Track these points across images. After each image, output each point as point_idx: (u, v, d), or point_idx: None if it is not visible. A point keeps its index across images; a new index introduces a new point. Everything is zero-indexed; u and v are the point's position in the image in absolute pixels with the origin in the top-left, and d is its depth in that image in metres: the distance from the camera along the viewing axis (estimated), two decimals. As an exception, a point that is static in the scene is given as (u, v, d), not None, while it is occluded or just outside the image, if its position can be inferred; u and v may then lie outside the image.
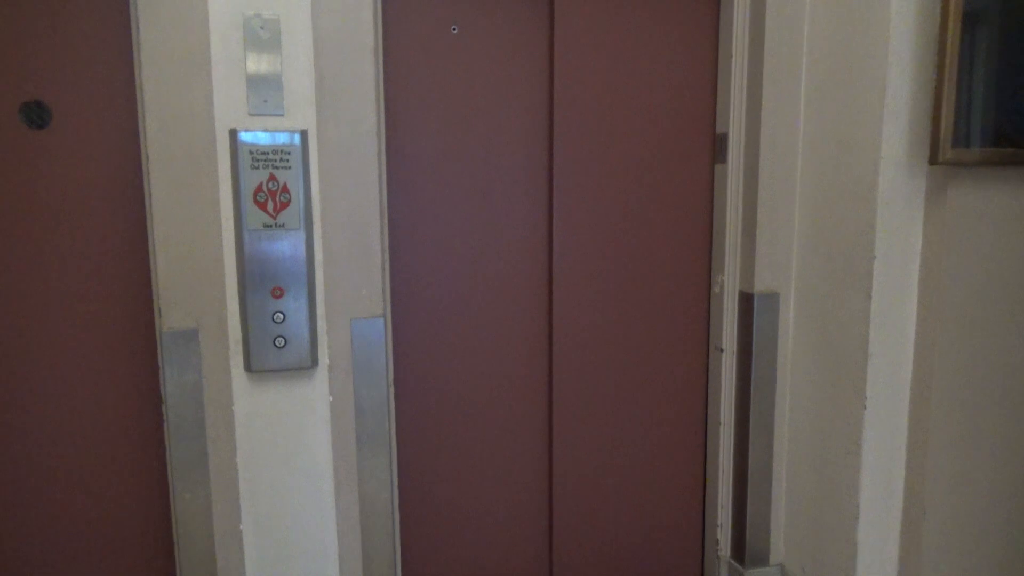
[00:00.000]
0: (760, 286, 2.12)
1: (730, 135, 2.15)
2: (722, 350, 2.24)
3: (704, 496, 2.36)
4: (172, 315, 1.70)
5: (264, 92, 1.69)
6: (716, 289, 2.25)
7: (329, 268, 1.78)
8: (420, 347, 2.08)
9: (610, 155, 2.14)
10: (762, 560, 2.23)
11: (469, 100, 2.03)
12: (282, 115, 1.70)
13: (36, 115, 1.69)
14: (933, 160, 1.74)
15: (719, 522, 2.30)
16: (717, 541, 2.31)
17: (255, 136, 1.67)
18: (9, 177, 1.68)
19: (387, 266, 1.90)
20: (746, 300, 2.16)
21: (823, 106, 1.99)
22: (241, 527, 1.79)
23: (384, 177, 1.86)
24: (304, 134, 1.71)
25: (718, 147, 2.20)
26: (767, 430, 2.17)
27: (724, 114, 2.17)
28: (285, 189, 1.71)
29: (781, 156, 2.08)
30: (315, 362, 1.79)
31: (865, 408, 1.87)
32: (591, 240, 2.16)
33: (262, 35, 1.67)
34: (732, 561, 2.27)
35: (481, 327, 2.12)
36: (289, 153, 1.70)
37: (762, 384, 2.16)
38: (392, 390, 1.96)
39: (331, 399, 1.82)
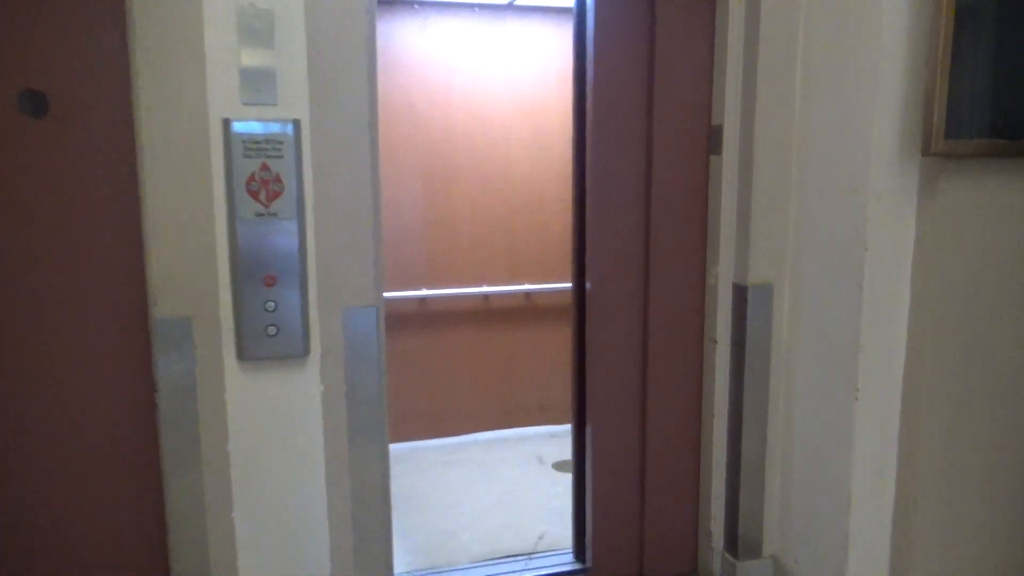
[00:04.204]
0: (754, 278, 2.12)
1: (725, 127, 2.15)
2: (716, 342, 2.24)
3: (698, 488, 2.36)
4: (165, 303, 1.71)
5: (257, 82, 1.69)
6: (711, 281, 2.25)
7: (322, 257, 1.79)
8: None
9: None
10: (755, 552, 2.23)
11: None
12: (275, 104, 1.71)
13: (33, 104, 1.70)
14: (926, 151, 1.74)
15: (712, 514, 2.30)
16: (710, 533, 2.32)
17: (248, 125, 1.68)
18: (6, 165, 1.69)
19: (380, 255, 1.90)
20: (740, 292, 2.16)
21: (817, 98, 1.99)
22: (233, 515, 1.80)
23: (377, 167, 1.87)
24: (297, 124, 1.71)
25: (713, 139, 2.20)
26: (761, 421, 2.18)
27: (720, 106, 2.17)
28: (278, 179, 1.71)
29: (776, 148, 2.08)
30: (307, 351, 1.80)
31: (857, 399, 1.87)
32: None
33: (256, 25, 1.68)
34: (725, 553, 2.27)
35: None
36: (282, 142, 1.71)
37: (756, 376, 2.16)
38: (386, 379, 1.96)
39: (323, 388, 1.83)
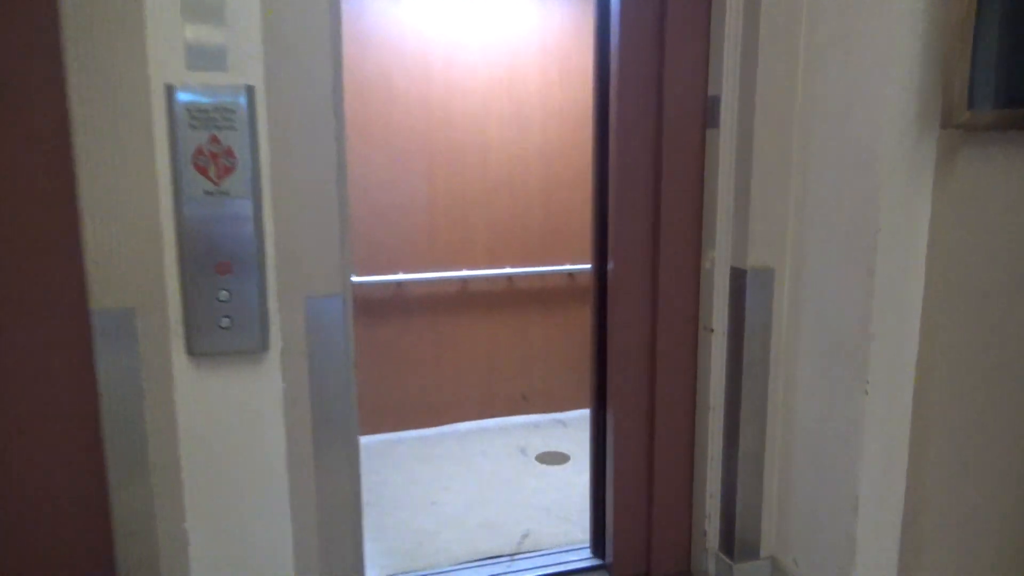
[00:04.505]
0: (753, 261, 1.97)
1: (723, 97, 1.99)
2: (712, 330, 2.09)
3: (692, 485, 2.22)
4: (104, 293, 1.53)
5: (205, 44, 1.50)
6: (707, 265, 2.10)
7: (281, 241, 1.61)
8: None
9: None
10: (752, 553, 2.10)
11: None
12: (225, 70, 1.52)
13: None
14: (946, 124, 1.59)
15: (707, 512, 2.17)
16: (705, 532, 2.18)
17: (194, 93, 1.49)
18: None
19: (347, 238, 1.72)
20: (738, 276, 2.01)
21: (824, 66, 1.82)
22: (185, 526, 1.63)
23: (343, 139, 1.69)
24: (250, 91, 1.53)
25: (710, 110, 2.03)
26: (759, 416, 2.03)
27: (717, 75, 2.00)
28: (229, 152, 1.53)
29: (777, 120, 1.92)
30: (266, 345, 1.62)
31: (866, 393, 1.73)
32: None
33: (204, -19, 1.48)
34: (720, 553, 2.14)
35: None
36: (233, 112, 1.52)
37: (754, 367, 2.02)
38: (354, 374, 1.79)
39: (285, 385, 1.65)
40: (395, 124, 3.39)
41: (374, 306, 3.50)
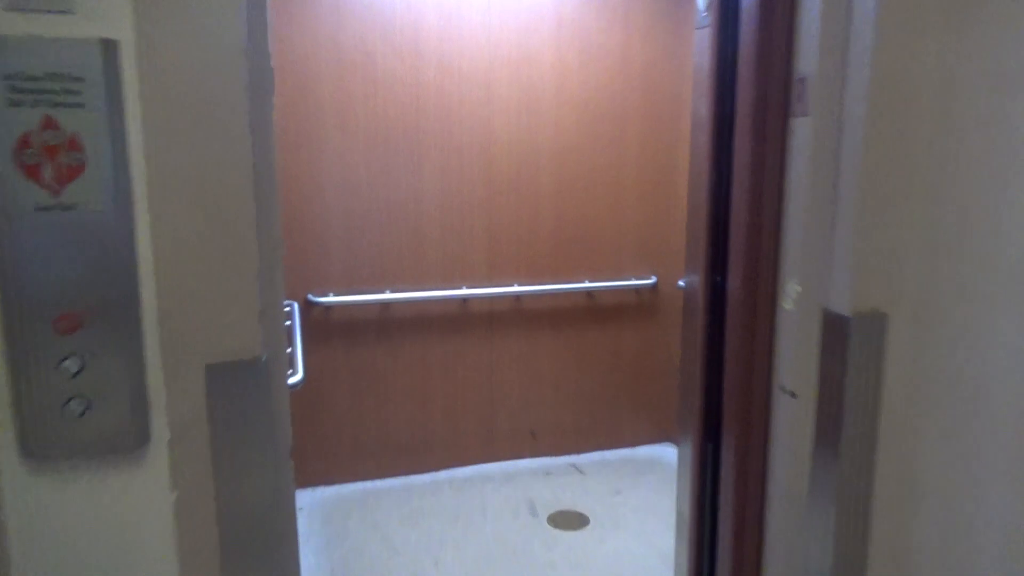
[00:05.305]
0: (860, 303, 1.40)
1: (815, 77, 1.42)
2: (793, 394, 1.52)
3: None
4: None
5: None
6: (786, 304, 1.53)
7: (165, 279, 1.06)
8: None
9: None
10: None
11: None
12: (70, 12, 0.96)
13: None
14: None
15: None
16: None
17: (16, 51, 0.94)
18: None
19: (274, 268, 1.17)
20: (836, 323, 1.44)
21: (964, 30, 1.26)
22: None
23: (269, 124, 1.13)
24: (110, 48, 0.97)
25: (796, 94, 1.47)
26: (861, 519, 1.47)
27: (807, 47, 1.44)
28: (74, 144, 0.97)
29: (895, 106, 1.35)
30: (144, 437, 1.07)
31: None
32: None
33: None
34: None
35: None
36: (81, 79, 0.97)
37: (856, 450, 1.45)
38: (291, 469, 1.24)
39: (176, 496, 1.10)
40: (379, 111, 2.83)
41: (354, 329, 2.94)
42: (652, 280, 3.28)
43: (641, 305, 3.33)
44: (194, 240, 1.06)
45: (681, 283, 3.21)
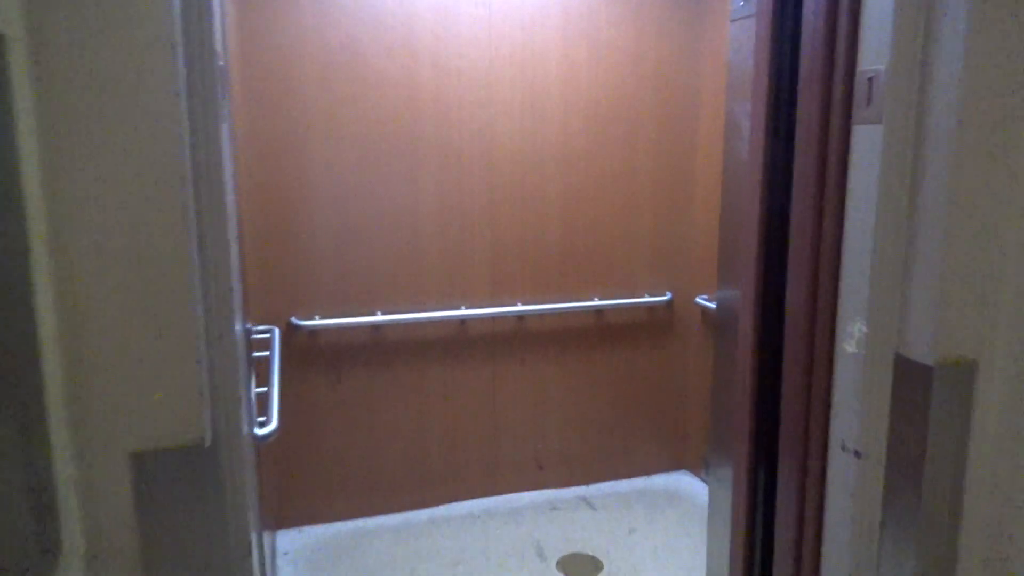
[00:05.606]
0: (944, 349, 1.16)
1: (885, 75, 1.18)
2: (858, 454, 1.28)
3: None
4: None
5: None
6: (848, 345, 1.29)
7: (74, 341, 0.81)
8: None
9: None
10: None
11: None
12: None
13: None
14: None
15: None
16: None
17: None
18: None
19: (229, 323, 0.92)
20: (913, 372, 1.20)
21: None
22: None
23: (216, 133, 0.89)
24: (-9, 39, 0.73)
25: (862, 96, 1.22)
26: (946, 606, 1.22)
27: (876, 41, 1.19)
28: (-60, 167, 0.72)
29: (994, 115, 1.11)
30: (54, 548, 0.82)
31: None
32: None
33: None
34: None
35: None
36: (-51, 82, 0.72)
37: (937, 523, 1.21)
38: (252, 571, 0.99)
39: (96, 621, 0.85)
40: (369, 115, 2.58)
41: (342, 355, 2.69)
42: (667, 296, 3.04)
43: (655, 323, 3.08)
44: (110, 290, 0.82)
45: (700, 299, 2.97)
